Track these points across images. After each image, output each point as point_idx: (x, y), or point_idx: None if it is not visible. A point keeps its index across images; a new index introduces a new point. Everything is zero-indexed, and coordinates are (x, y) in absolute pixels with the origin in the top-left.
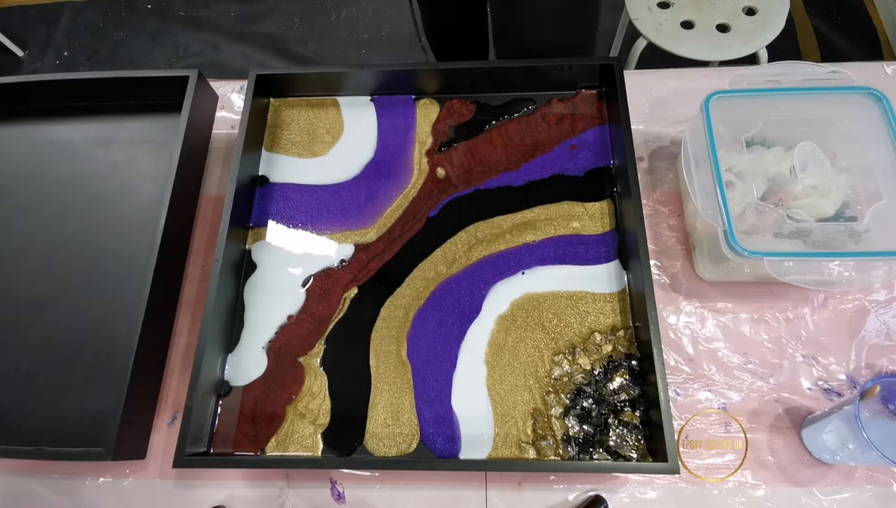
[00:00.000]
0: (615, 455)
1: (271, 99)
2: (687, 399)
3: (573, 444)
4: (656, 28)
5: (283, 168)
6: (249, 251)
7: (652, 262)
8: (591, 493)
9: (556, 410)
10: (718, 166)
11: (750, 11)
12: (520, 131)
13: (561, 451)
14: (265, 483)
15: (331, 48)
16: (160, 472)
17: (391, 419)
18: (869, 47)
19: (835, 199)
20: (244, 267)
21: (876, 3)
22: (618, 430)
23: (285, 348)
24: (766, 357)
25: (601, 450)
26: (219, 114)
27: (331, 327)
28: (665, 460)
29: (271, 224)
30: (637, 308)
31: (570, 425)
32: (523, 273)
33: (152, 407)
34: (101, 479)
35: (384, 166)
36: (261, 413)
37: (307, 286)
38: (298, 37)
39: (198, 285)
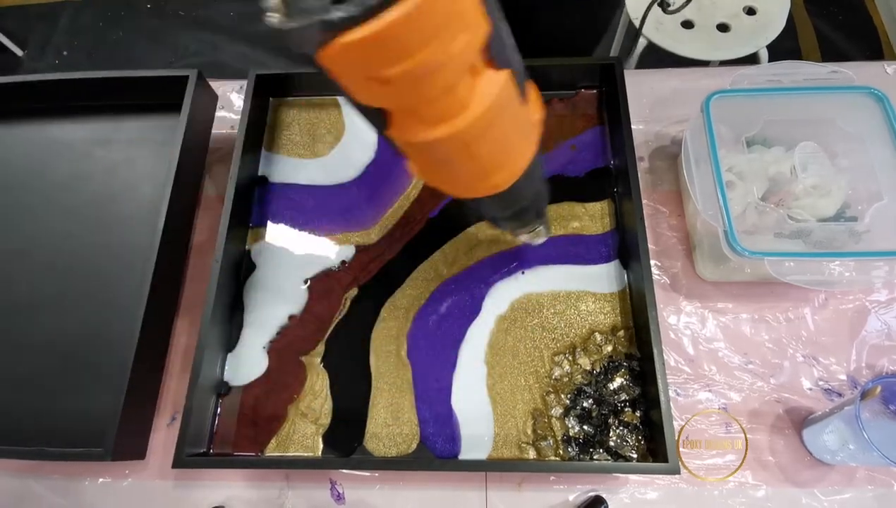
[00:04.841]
0: (615, 455)
1: (271, 99)
2: (687, 399)
3: (573, 444)
4: (656, 28)
5: (284, 168)
6: (249, 251)
7: (652, 262)
8: (592, 494)
9: (557, 410)
10: (719, 166)
11: (750, 11)
12: None
13: (561, 451)
14: (265, 484)
15: None
16: (160, 473)
17: (391, 419)
18: (870, 47)
19: (835, 199)
20: (244, 267)
21: (877, 2)
22: (618, 430)
23: (287, 348)
24: (767, 357)
25: (601, 451)
26: (219, 114)
27: (332, 327)
28: (665, 460)
29: (271, 224)
30: (637, 308)
31: (570, 425)
32: (523, 273)
33: (152, 408)
34: (101, 480)
35: (385, 167)
36: (261, 413)
37: (308, 286)
38: None
39: (198, 285)
